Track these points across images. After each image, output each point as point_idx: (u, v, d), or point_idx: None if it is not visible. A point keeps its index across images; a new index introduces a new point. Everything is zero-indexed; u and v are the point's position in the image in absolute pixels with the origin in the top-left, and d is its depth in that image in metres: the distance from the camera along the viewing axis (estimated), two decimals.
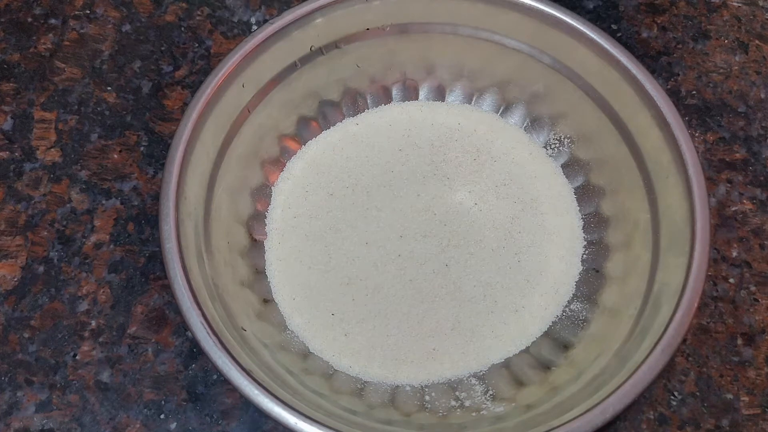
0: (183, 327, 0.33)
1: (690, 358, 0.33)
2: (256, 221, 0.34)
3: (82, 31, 0.40)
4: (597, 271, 0.33)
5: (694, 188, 0.28)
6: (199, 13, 0.41)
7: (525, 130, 0.36)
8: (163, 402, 0.32)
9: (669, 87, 0.39)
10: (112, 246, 0.35)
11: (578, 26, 0.32)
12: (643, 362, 0.26)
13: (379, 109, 0.37)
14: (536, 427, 0.26)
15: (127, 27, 0.41)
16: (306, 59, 0.34)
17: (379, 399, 0.30)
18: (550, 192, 0.35)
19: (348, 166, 0.35)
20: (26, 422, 0.31)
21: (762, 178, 0.37)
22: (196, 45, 0.40)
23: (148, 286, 0.34)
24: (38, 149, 0.37)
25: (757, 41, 0.40)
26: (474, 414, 0.29)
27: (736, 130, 0.38)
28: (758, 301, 0.34)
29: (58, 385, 0.32)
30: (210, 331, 0.26)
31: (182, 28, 0.41)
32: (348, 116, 0.37)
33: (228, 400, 0.32)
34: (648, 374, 0.25)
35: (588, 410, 0.25)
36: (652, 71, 0.39)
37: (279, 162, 0.36)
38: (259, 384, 0.25)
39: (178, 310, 0.31)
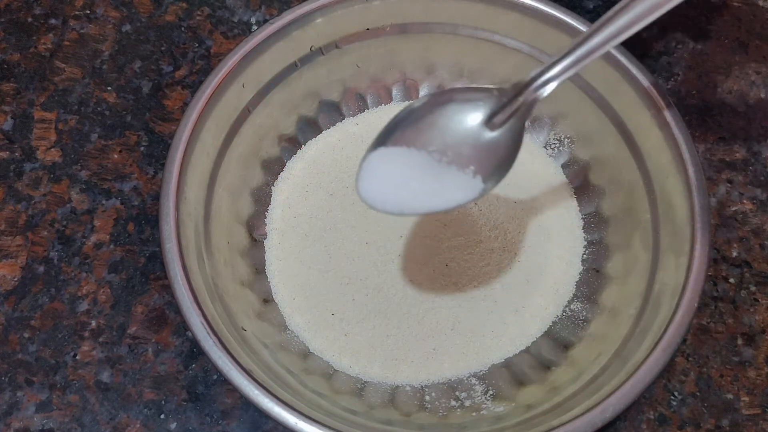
0: (183, 327, 0.33)
1: (690, 358, 0.33)
2: (256, 221, 0.34)
3: (82, 31, 0.40)
4: (597, 271, 0.33)
5: (694, 188, 0.28)
6: (199, 13, 0.41)
7: (525, 130, 0.36)
8: (163, 402, 0.32)
9: (669, 87, 0.39)
10: (112, 246, 0.35)
11: (578, 26, 0.32)
12: (643, 362, 0.26)
13: (379, 109, 0.37)
14: (536, 427, 0.26)
15: (127, 27, 0.41)
16: (306, 59, 0.34)
17: (379, 399, 0.30)
18: (550, 192, 0.35)
19: (348, 166, 0.35)
20: (26, 422, 0.31)
21: (762, 178, 0.37)
22: (196, 45, 0.40)
23: (148, 286, 0.34)
24: (38, 149, 0.37)
25: (757, 41, 0.40)
26: (474, 414, 0.29)
27: (736, 130, 0.38)
28: (758, 301, 0.34)
29: (58, 385, 0.32)
30: (210, 331, 0.26)
31: (182, 28, 0.41)
32: (348, 116, 0.37)
33: (228, 400, 0.32)
34: (648, 374, 0.25)
35: (588, 410, 0.25)
36: (652, 71, 0.39)
37: (279, 162, 0.36)
38: (259, 384, 0.25)
39: (178, 310, 0.31)
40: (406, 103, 0.37)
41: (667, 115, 0.30)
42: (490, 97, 0.26)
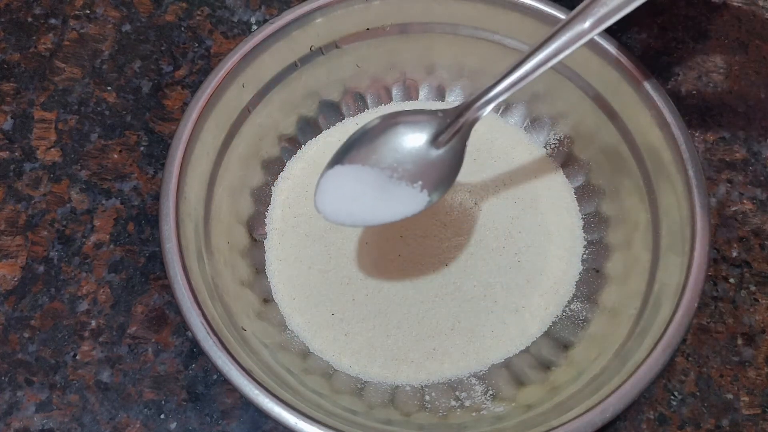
0: (183, 327, 0.33)
1: (690, 358, 0.33)
2: (256, 221, 0.34)
3: (82, 31, 0.40)
4: (597, 271, 0.33)
5: (694, 188, 0.28)
6: (199, 13, 0.41)
7: (525, 130, 0.36)
8: (163, 402, 0.32)
9: (669, 87, 0.39)
10: (112, 246, 0.35)
11: None
12: (643, 362, 0.26)
13: (379, 109, 0.37)
14: (536, 427, 0.26)
15: (127, 27, 0.41)
16: (306, 59, 0.34)
17: (379, 399, 0.30)
18: (550, 192, 0.35)
19: None
20: (26, 422, 0.31)
21: (762, 178, 0.37)
22: (196, 45, 0.40)
23: (148, 286, 0.34)
24: (38, 149, 0.37)
25: (757, 41, 0.40)
26: (474, 414, 0.29)
27: (736, 130, 0.38)
28: (758, 301, 0.34)
29: (58, 385, 0.32)
30: (210, 331, 0.26)
31: (182, 28, 0.41)
32: (348, 116, 0.37)
33: (228, 400, 0.32)
34: (648, 374, 0.25)
35: (588, 410, 0.25)
36: (652, 71, 0.39)
37: (279, 162, 0.36)
38: (259, 384, 0.25)
39: (178, 310, 0.31)
40: (407, 103, 0.37)
41: (667, 115, 0.30)
42: (435, 119, 0.28)
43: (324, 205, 0.28)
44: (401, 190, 0.28)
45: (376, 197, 0.28)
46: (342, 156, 0.28)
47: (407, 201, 0.28)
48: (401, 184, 0.28)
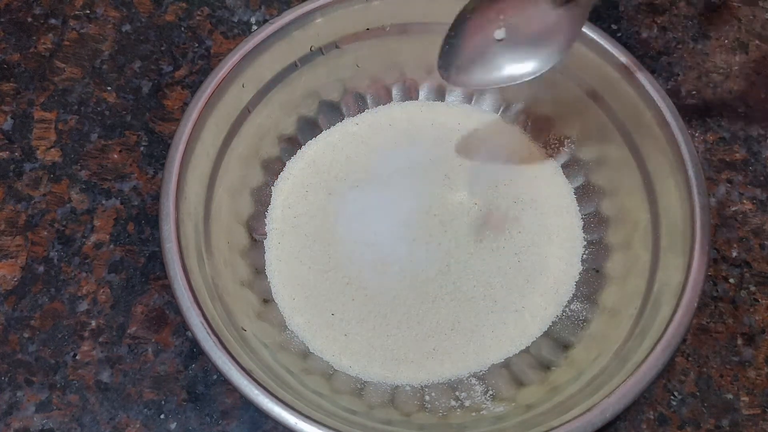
0: (183, 327, 0.33)
1: (690, 358, 0.33)
2: (256, 221, 0.34)
3: (82, 31, 0.40)
4: (597, 271, 0.33)
5: (694, 188, 0.28)
6: (199, 13, 0.41)
7: (525, 130, 0.36)
8: (163, 402, 0.32)
9: (669, 87, 0.39)
10: (112, 246, 0.35)
11: None
12: (643, 362, 0.26)
13: (379, 109, 0.37)
14: (536, 427, 0.26)
15: (127, 27, 0.41)
16: (306, 59, 0.34)
17: (379, 399, 0.30)
18: (550, 192, 0.35)
19: (348, 166, 0.35)
20: (26, 422, 0.31)
21: (762, 178, 0.37)
22: (196, 45, 0.40)
23: (148, 286, 0.34)
24: (38, 149, 0.37)
25: (757, 41, 0.40)
26: (474, 414, 0.29)
27: (736, 130, 0.38)
28: (758, 301, 0.34)
29: (58, 385, 0.32)
30: (210, 331, 0.26)
31: (182, 28, 0.41)
32: (348, 116, 0.37)
33: (228, 400, 0.32)
34: (648, 374, 0.25)
35: (588, 410, 0.25)
36: (652, 71, 0.39)
37: (279, 162, 0.36)
38: (259, 384, 0.25)
39: (178, 310, 0.31)
40: (406, 103, 0.37)
41: (667, 115, 0.30)
42: None
43: (448, 67, 0.28)
44: (524, 50, 0.28)
45: (499, 58, 0.28)
46: (464, 18, 0.28)
47: (531, 60, 0.28)
48: (523, 44, 0.28)
